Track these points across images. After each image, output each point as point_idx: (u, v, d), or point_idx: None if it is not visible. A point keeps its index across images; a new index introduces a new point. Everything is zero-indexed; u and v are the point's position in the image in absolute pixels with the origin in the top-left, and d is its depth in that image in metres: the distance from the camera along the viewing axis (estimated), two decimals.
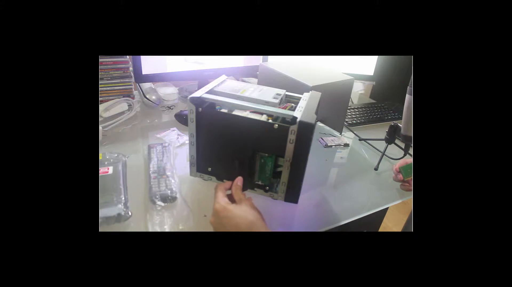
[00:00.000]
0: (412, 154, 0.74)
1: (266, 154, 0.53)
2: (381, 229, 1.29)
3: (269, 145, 0.52)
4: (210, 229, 0.53)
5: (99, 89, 0.87)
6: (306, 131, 0.48)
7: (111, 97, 0.88)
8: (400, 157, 0.75)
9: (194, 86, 1.05)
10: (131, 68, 0.89)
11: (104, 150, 0.71)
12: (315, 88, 0.67)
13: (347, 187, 0.68)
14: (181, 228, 0.52)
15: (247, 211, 0.45)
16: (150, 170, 0.63)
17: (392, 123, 0.75)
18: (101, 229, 0.50)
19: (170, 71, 0.90)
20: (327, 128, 0.91)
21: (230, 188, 0.51)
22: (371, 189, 0.69)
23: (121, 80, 0.90)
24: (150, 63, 0.86)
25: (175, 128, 0.84)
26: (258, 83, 0.86)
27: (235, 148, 0.55)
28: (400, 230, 1.40)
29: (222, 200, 0.47)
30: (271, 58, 1.04)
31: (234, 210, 0.45)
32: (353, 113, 1.00)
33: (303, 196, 0.55)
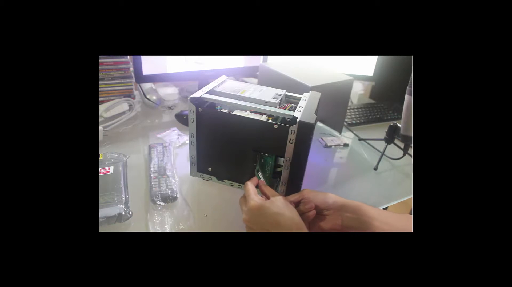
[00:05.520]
0: (411, 154, 0.74)
1: (266, 154, 0.53)
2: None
3: (269, 145, 0.52)
4: (210, 228, 0.53)
5: (100, 89, 0.87)
6: (306, 131, 0.48)
7: (111, 98, 0.89)
8: (400, 157, 0.75)
9: (194, 86, 1.05)
10: (131, 69, 0.89)
11: (105, 150, 0.71)
12: (315, 88, 0.67)
13: (346, 187, 0.68)
14: (181, 227, 0.52)
15: (284, 208, 0.44)
16: (151, 170, 0.63)
17: (391, 123, 0.75)
18: (102, 228, 0.50)
19: (171, 72, 0.91)
20: (327, 128, 0.92)
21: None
22: (371, 189, 0.69)
23: (122, 81, 0.90)
24: (151, 64, 0.86)
25: (175, 128, 0.84)
26: (258, 83, 0.86)
27: (235, 148, 0.55)
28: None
29: (256, 197, 0.46)
30: (271, 58, 1.04)
31: (271, 207, 0.44)
32: (353, 113, 1.00)
33: None
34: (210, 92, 0.56)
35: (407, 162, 0.78)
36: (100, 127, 0.74)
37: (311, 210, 0.48)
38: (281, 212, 0.43)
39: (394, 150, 0.79)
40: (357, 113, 1.01)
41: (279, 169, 0.54)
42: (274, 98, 0.55)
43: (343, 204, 0.48)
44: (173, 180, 0.60)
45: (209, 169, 0.60)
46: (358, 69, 1.09)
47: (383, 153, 0.77)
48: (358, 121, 0.97)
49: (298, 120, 0.48)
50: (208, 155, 0.59)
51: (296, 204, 0.49)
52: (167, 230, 0.52)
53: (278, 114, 0.51)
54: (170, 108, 0.98)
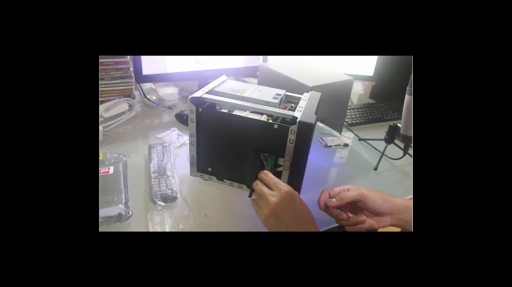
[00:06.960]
0: (411, 154, 0.74)
1: (266, 154, 0.53)
2: (381, 229, 1.29)
3: (269, 145, 0.52)
4: (210, 228, 0.53)
5: (100, 89, 0.87)
6: (306, 131, 0.48)
7: (111, 97, 0.89)
8: (400, 157, 0.75)
9: (194, 86, 1.05)
10: (131, 69, 0.89)
11: (105, 150, 0.71)
12: (315, 88, 0.67)
13: None
14: (181, 227, 0.52)
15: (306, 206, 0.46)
16: (151, 170, 0.63)
17: (391, 123, 0.75)
18: (102, 228, 0.50)
19: (171, 72, 0.90)
20: (327, 128, 0.92)
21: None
22: (371, 188, 0.69)
23: (122, 81, 0.90)
24: (151, 64, 0.86)
25: (175, 128, 0.84)
26: (258, 83, 0.86)
27: (235, 148, 0.55)
28: (400, 230, 1.40)
29: (286, 184, 0.46)
30: (271, 58, 1.04)
31: (299, 198, 0.45)
32: (353, 113, 1.00)
33: (303, 196, 0.55)
34: (210, 92, 0.56)
35: (407, 162, 0.78)
36: (100, 127, 0.74)
37: (364, 222, 0.50)
38: (307, 208, 0.45)
39: (394, 150, 0.79)
40: (357, 113, 1.01)
41: (279, 169, 0.54)
42: (274, 98, 0.55)
43: (396, 206, 0.49)
44: (173, 180, 0.60)
45: (209, 169, 0.60)
46: (358, 69, 1.09)
47: (383, 153, 0.77)
48: (358, 121, 0.97)
49: (298, 120, 0.48)
50: (208, 155, 0.59)
51: (353, 203, 0.50)
52: (167, 230, 0.52)
53: (278, 114, 0.51)
54: (170, 108, 0.98)
